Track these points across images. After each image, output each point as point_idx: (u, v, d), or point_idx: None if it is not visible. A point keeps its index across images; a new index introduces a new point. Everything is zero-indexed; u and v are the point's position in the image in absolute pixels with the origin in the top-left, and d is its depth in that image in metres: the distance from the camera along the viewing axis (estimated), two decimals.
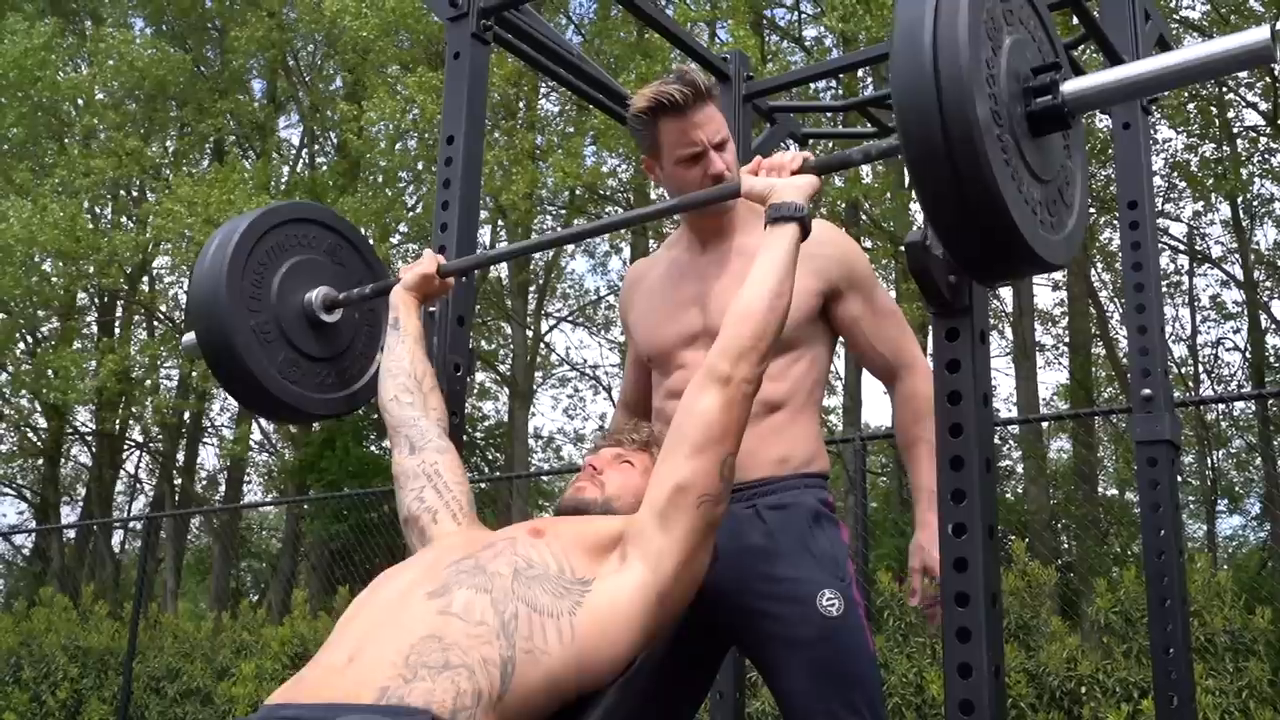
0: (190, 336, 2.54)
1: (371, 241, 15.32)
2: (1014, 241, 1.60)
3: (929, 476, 2.21)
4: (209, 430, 20.78)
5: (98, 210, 18.22)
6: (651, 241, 15.50)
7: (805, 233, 1.94)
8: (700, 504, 1.79)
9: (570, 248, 19.12)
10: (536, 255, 18.32)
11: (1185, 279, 17.43)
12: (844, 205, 13.58)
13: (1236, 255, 16.44)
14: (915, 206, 13.32)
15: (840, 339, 2.41)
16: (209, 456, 24.63)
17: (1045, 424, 15.47)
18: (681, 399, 1.87)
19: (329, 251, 2.66)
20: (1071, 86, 1.71)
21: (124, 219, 18.23)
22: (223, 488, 20.79)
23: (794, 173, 1.98)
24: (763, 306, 1.86)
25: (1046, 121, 1.71)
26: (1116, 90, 1.74)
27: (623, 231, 17.49)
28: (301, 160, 19.02)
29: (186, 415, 18.79)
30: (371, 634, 1.62)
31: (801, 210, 1.93)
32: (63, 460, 20.82)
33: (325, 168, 17.57)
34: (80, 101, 17.11)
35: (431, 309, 2.50)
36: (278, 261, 2.54)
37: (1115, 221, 14.42)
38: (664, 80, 2.30)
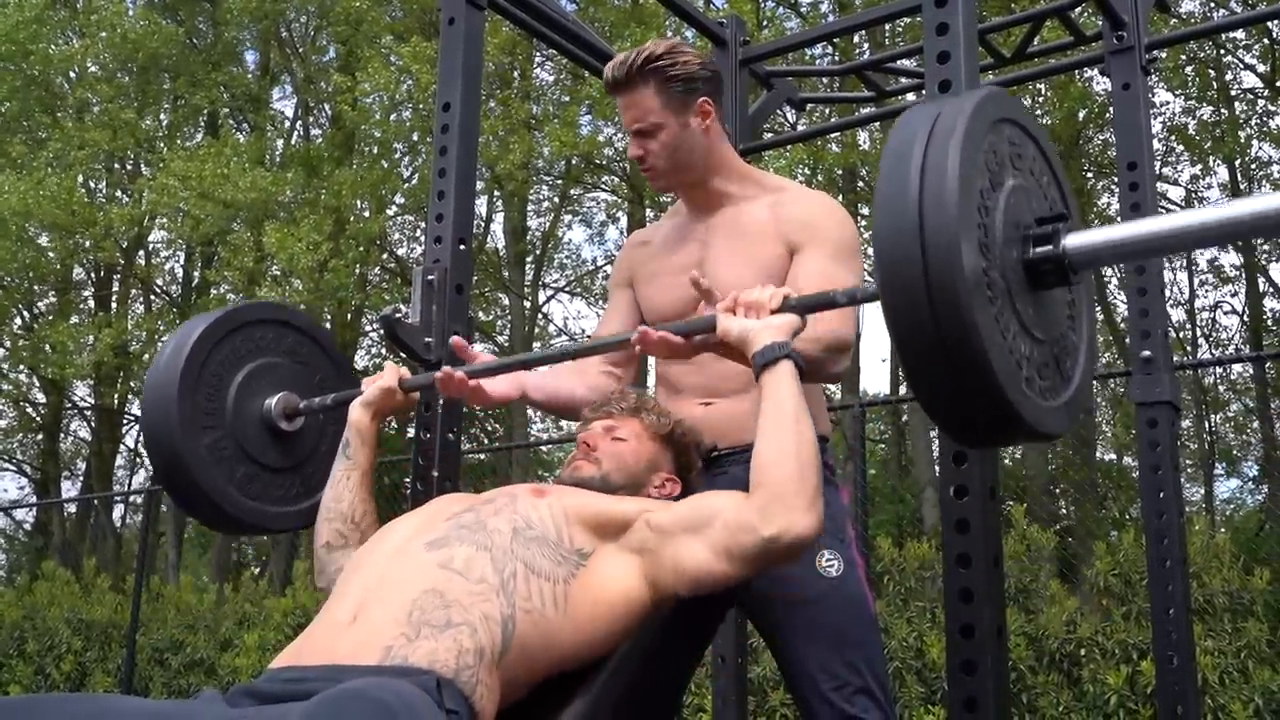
0: None
1: (367, 215, 15.40)
2: (996, 398, 1.44)
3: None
4: None
5: (92, 184, 18.12)
6: (649, 210, 15.44)
7: (800, 371, 1.78)
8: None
9: (566, 217, 19.11)
10: (533, 225, 18.31)
11: None
12: (841, 171, 13.51)
13: None
14: None
15: None
16: None
17: None
18: (746, 505, 1.73)
19: (289, 351, 2.53)
20: (1075, 240, 1.54)
21: (119, 192, 18.15)
22: None
23: (773, 311, 1.83)
24: (790, 465, 1.70)
25: (1045, 273, 1.54)
26: (1126, 248, 1.56)
27: (620, 199, 17.45)
28: (296, 133, 18.90)
29: None
30: (374, 589, 1.65)
31: (787, 348, 1.76)
32: (62, 435, 20.84)
33: (320, 140, 17.46)
34: (73, 74, 16.99)
35: (430, 277, 2.47)
36: (233, 371, 2.41)
37: (1114, 186, 14.38)
38: (628, 51, 2.28)
